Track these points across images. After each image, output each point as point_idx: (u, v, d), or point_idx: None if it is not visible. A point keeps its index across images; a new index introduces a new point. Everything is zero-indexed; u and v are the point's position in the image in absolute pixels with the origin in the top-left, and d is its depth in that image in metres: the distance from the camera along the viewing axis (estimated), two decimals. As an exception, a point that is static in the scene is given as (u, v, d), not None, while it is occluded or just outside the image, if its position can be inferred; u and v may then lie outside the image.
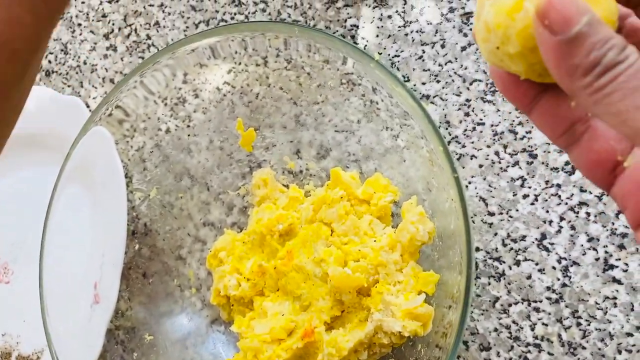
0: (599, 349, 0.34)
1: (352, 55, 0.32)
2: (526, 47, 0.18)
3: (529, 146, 0.38)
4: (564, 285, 0.36)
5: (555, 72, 0.17)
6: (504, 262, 0.37)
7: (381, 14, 0.43)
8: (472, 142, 0.39)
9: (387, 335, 0.33)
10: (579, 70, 0.16)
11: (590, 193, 0.36)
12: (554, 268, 0.36)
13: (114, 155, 0.45)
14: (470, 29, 0.40)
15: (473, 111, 0.39)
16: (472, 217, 0.38)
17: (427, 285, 0.33)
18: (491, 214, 0.38)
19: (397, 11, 0.42)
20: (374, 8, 0.43)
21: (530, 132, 0.38)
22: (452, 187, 0.28)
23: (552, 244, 0.36)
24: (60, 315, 0.44)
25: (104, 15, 0.53)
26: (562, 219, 0.36)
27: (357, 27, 0.43)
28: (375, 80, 0.33)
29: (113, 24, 0.52)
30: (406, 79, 0.41)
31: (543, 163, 0.37)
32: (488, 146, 0.39)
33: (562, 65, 0.16)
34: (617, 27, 0.18)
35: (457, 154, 0.39)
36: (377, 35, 0.43)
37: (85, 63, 0.53)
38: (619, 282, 0.35)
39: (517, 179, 0.38)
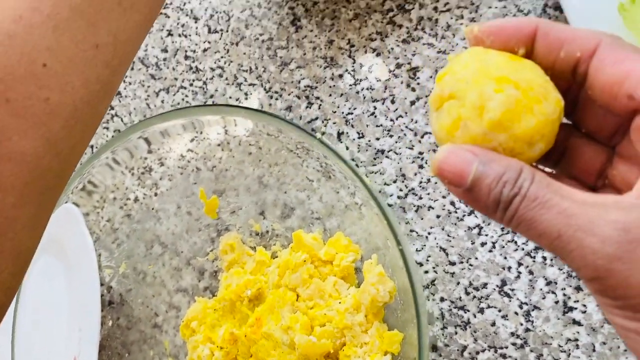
0: (567, 391, 0.35)
1: (296, 132, 0.33)
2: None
3: (482, 194, 0.39)
4: (527, 330, 0.36)
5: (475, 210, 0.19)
6: (468, 311, 0.38)
7: (332, 74, 0.44)
8: (429, 194, 0.40)
9: (357, 398, 0.33)
10: (488, 209, 0.18)
11: (544, 237, 0.37)
12: (516, 313, 0.37)
13: (84, 232, 0.45)
14: (418, 83, 0.42)
15: (426, 163, 0.40)
16: (434, 268, 0.39)
17: (392, 345, 0.34)
18: (452, 264, 0.39)
19: (347, 70, 0.44)
20: (324, 68, 0.44)
21: (482, 180, 0.39)
22: (400, 257, 0.29)
23: (512, 289, 0.37)
24: (40, 395, 0.44)
25: (67, 89, 0.54)
26: (520, 264, 0.37)
27: (311, 87, 0.45)
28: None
29: (77, 97, 0.53)
30: (360, 135, 0.43)
31: (497, 209, 0.38)
32: (444, 197, 0.40)
33: (475, 207, 0.18)
34: (561, 118, 0.19)
35: (414, 206, 0.40)
36: (330, 95, 0.44)
37: (52, 136, 0.54)
38: (578, 323, 0.35)
39: (474, 228, 0.39)
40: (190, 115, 0.38)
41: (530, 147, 0.19)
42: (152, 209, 0.47)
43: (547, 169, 0.22)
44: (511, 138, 0.18)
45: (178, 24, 0.50)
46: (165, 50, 0.50)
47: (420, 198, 0.40)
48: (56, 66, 0.22)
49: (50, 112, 0.22)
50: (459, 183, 0.18)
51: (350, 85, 0.44)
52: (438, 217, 0.40)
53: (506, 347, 0.37)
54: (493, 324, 0.37)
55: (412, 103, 0.41)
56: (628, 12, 0.31)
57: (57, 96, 0.22)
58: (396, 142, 0.42)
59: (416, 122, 0.41)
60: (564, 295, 0.36)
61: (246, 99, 0.47)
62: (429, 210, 0.40)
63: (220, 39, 0.49)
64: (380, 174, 0.42)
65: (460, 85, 0.19)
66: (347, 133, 0.43)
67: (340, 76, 0.44)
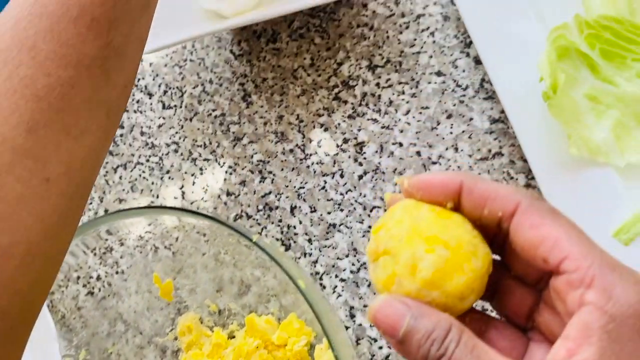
0: None
1: (236, 234, 0.34)
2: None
3: (431, 268, 0.39)
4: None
5: None
6: (422, 387, 0.38)
7: (283, 148, 0.45)
8: (379, 269, 0.41)
9: None
10: None
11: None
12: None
13: (47, 316, 0.46)
14: (364, 158, 0.42)
15: (376, 238, 0.41)
16: (388, 343, 0.39)
17: None
18: (405, 339, 0.39)
19: (297, 145, 0.44)
20: (276, 143, 0.45)
21: (431, 253, 0.39)
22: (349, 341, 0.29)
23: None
24: None
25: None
26: (469, 339, 0.38)
27: (263, 162, 0.45)
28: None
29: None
30: (313, 209, 0.43)
31: (447, 283, 0.39)
32: (394, 271, 0.40)
33: (407, 357, 0.19)
34: (490, 270, 0.20)
35: (367, 281, 0.41)
36: (282, 169, 0.45)
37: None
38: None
39: (425, 302, 0.39)
40: (147, 214, 0.39)
41: (461, 301, 0.20)
42: (114, 288, 0.48)
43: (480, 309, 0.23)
44: (443, 294, 0.20)
45: (133, 100, 0.51)
46: (121, 127, 0.51)
47: (372, 273, 0.41)
48: (3, 208, 0.21)
49: (2, 254, 0.22)
50: (391, 334, 0.19)
51: (300, 159, 0.44)
52: (389, 292, 0.40)
53: None
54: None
55: (360, 177, 0.42)
56: (552, 100, 0.32)
57: (8, 237, 0.21)
58: (347, 216, 0.42)
59: (364, 196, 0.42)
60: (513, 370, 0.36)
61: (201, 174, 0.47)
62: (380, 285, 0.40)
63: (174, 114, 0.49)
64: (333, 248, 0.42)
65: (394, 242, 0.20)
66: (300, 207, 0.44)
67: (291, 151, 0.45)
